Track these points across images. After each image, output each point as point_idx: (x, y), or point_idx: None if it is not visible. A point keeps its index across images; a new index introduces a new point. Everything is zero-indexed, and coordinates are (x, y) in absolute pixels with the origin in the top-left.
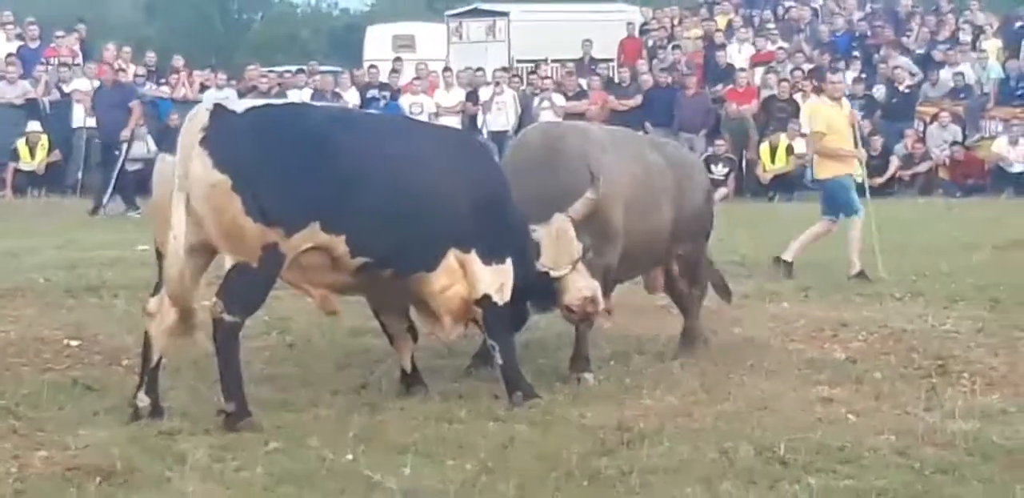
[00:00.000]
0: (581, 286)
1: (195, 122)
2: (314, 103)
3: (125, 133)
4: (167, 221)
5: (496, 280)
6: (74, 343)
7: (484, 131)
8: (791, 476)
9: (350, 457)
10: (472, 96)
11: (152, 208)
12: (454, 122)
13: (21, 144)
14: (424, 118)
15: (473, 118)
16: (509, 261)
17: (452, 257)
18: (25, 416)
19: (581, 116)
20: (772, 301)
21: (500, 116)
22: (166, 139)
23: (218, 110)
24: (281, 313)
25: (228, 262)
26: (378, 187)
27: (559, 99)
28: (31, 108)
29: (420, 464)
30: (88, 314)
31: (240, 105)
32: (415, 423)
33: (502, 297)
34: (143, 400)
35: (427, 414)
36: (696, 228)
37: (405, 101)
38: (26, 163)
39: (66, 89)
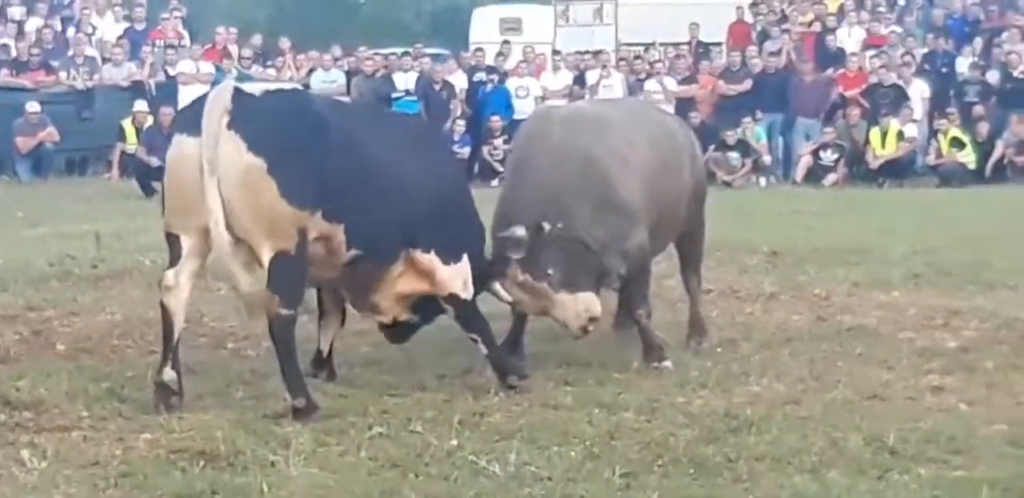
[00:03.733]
0: (581, 309)
1: (218, 104)
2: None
3: None
4: (189, 205)
5: (458, 277)
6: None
7: None
8: (900, 466)
9: (454, 442)
10: (579, 79)
11: (171, 191)
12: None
13: (127, 124)
14: (531, 102)
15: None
16: (466, 257)
17: (414, 251)
18: (130, 398)
19: (691, 100)
20: (882, 289)
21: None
22: (183, 121)
23: (239, 93)
24: None
25: (266, 254)
26: (371, 177)
27: (670, 83)
28: (137, 90)
29: (525, 450)
30: (193, 297)
31: (256, 88)
32: (519, 409)
33: (468, 292)
34: (169, 374)
35: (532, 400)
36: (700, 199)
37: (512, 84)
38: (132, 145)
39: (172, 71)
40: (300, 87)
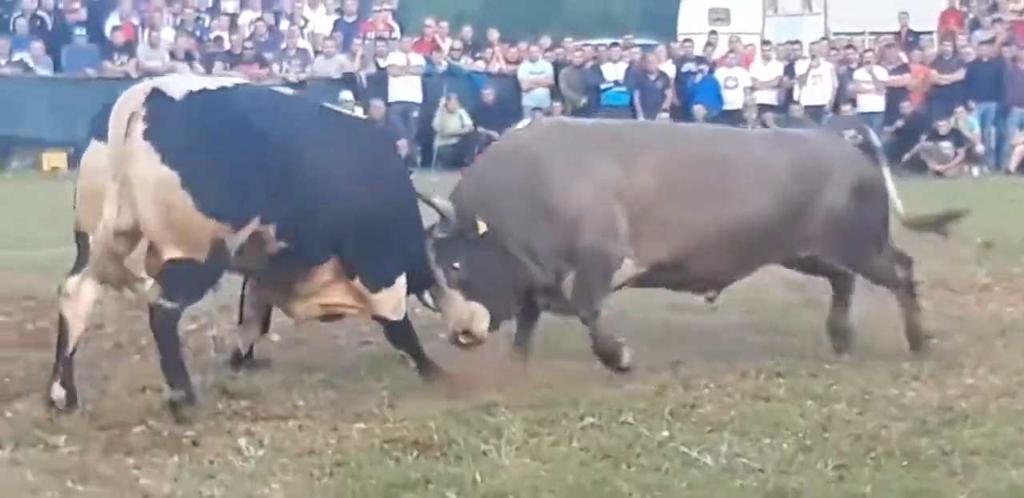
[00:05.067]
0: (464, 317)
1: (125, 107)
2: (247, 84)
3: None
4: (96, 207)
5: (389, 301)
6: None
7: (800, 105)
8: None
9: (666, 434)
10: (788, 69)
11: (82, 193)
12: (769, 96)
13: None
14: (740, 93)
15: (789, 92)
16: (401, 279)
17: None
18: (343, 388)
19: (903, 90)
20: None
21: (816, 90)
22: (97, 124)
23: (155, 95)
24: None
25: (170, 255)
26: (309, 178)
27: (881, 72)
28: (348, 82)
29: (736, 442)
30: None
31: (178, 89)
32: (731, 401)
33: (398, 314)
34: (57, 392)
35: (743, 391)
36: (842, 224)
37: (720, 75)
38: None
39: (382, 63)
40: (236, 83)
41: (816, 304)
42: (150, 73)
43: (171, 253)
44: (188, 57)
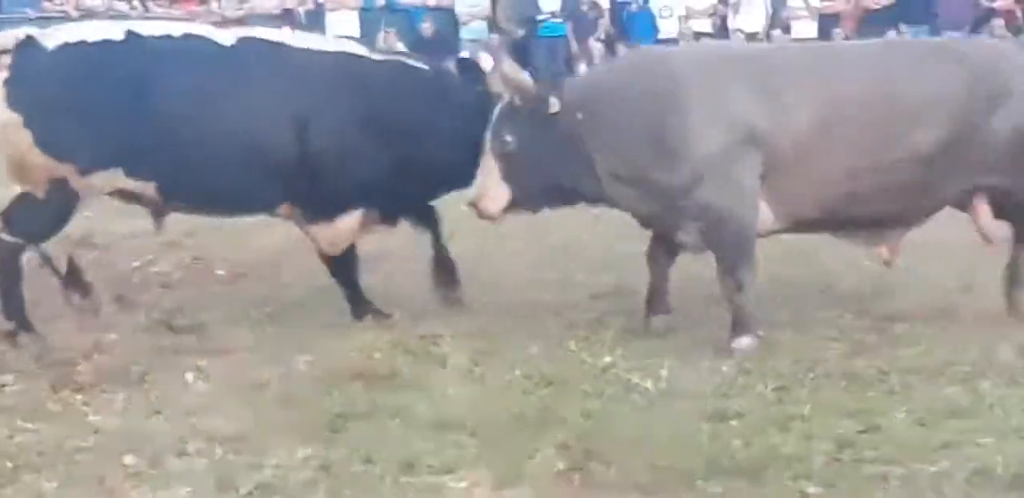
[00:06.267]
0: (488, 191)
1: None
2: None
3: None
4: None
5: (327, 236)
6: None
7: (734, 33)
8: None
9: (607, 360)
10: None
11: None
12: (704, 24)
13: None
14: (675, 22)
15: (724, 20)
16: (353, 214)
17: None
18: (289, 322)
19: (835, 16)
20: None
21: (750, 17)
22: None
23: (27, 43)
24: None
25: (15, 190)
26: (196, 133)
27: None
28: (287, 17)
29: (677, 366)
30: None
31: (54, 40)
32: (672, 324)
33: (335, 250)
34: None
35: (685, 317)
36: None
37: (655, 4)
38: None
39: None
40: (133, 35)
41: None
42: (90, 13)
43: (17, 189)
44: None
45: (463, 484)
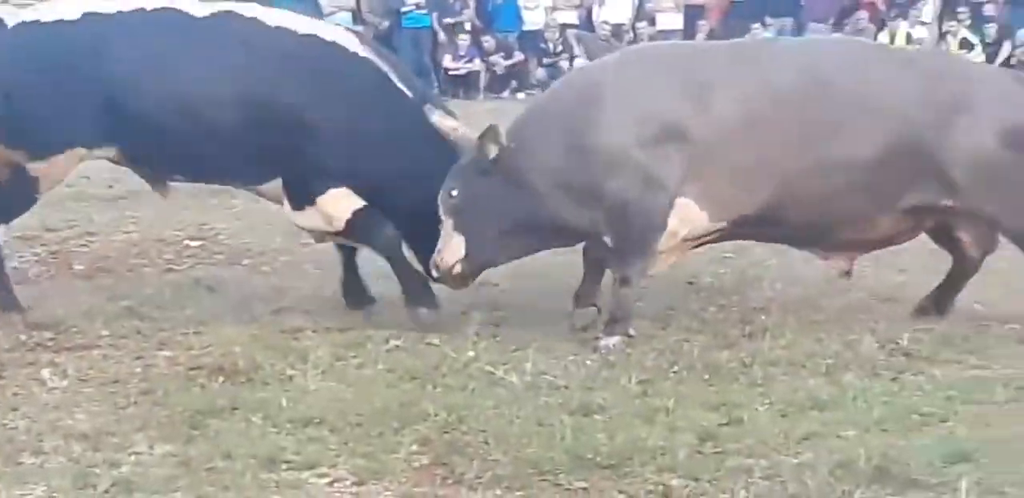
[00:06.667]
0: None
1: None
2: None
3: None
4: None
5: (310, 215)
6: (195, 243)
7: (600, 24)
8: (915, 367)
9: (471, 354)
10: None
11: None
12: (570, 16)
13: None
14: (540, 13)
15: (589, 11)
16: (331, 192)
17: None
18: (148, 317)
19: (701, 8)
20: None
21: (615, 9)
22: None
23: None
24: None
25: None
26: (157, 109)
27: None
28: None
29: (541, 360)
30: (209, 214)
31: (12, 18)
32: (535, 319)
33: (336, 223)
34: None
35: (547, 310)
36: (983, 179)
37: None
38: None
39: None
40: (86, 14)
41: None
42: None
43: None
44: None
45: (325, 480)
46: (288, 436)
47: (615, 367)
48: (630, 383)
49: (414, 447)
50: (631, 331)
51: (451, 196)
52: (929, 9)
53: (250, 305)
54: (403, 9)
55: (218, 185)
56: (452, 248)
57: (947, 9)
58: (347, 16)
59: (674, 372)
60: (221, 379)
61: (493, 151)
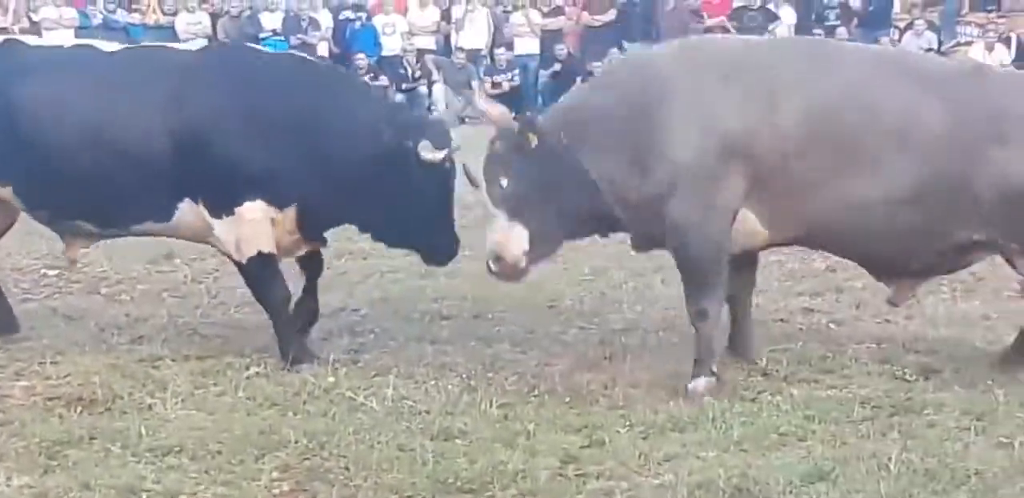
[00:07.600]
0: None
1: None
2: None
3: None
4: None
5: (230, 235)
6: (52, 273)
7: (458, 49)
8: (773, 387)
9: (331, 380)
10: (446, 15)
11: None
12: (428, 41)
13: None
14: (398, 38)
15: (447, 37)
16: (253, 205)
17: (187, 207)
18: (4, 347)
19: (558, 32)
20: None
21: (473, 34)
22: None
23: None
24: None
25: None
26: (58, 140)
27: (535, 15)
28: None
29: (402, 385)
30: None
31: None
32: (395, 345)
33: (241, 255)
34: None
35: (408, 335)
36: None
37: (378, 21)
38: None
39: (35, 17)
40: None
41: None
42: None
43: None
44: None
45: None
46: (148, 465)
47: (477, 391)
48: (491, 407)
49: (275, 474)
50: (714, 369)
51: (501, 186)
52: (785, 32)
53: (108, 334)
54: (261, 35)
55: (125, 235)
56: (515, 240)
57: (801, 32)
58: (203, 43)
59: (535, 395)
60: (79, 409)
61: (533, 141)
